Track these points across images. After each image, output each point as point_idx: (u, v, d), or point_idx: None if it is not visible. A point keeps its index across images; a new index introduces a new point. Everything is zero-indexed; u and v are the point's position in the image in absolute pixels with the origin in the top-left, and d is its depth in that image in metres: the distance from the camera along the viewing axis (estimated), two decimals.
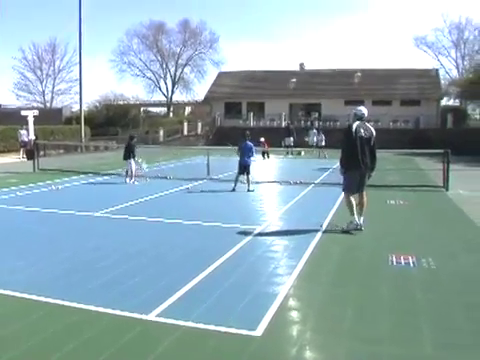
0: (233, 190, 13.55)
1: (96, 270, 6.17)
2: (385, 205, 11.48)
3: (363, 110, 8.58)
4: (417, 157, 24.57)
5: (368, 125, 8.54)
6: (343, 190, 8.63)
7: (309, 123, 41.44)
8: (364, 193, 8.58)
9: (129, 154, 15.53)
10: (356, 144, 8.22)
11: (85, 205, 11.10)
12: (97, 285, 5.63)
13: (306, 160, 25.94)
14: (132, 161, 15.49)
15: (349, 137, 8.27)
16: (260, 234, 8.28)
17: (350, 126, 8.40)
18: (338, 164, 8.73)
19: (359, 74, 47.29)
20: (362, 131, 8.31)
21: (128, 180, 15.41)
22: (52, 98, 60.53)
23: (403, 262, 6.63)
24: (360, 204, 8.52)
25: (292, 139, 29.77)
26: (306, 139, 29.56)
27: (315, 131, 30.00)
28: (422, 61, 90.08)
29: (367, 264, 6.62)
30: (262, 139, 25.50)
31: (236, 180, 13.86)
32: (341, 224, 8.59)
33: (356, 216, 8.43)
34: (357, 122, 8.41)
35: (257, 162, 23.32)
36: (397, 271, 6.29)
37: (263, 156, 25.54)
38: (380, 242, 7.81)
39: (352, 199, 8.46)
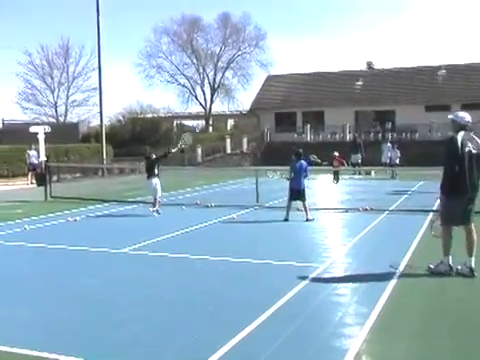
0: (286, 220, 13.51)
1: (114, 324, 6.19)
2: None
3: (466, 117, 8.14)
4: None
5: (475, 137, 8.07)
6: (442, 223, 8.18)
7: (380, 135, 41.12)
8: (473, 225, 8.07)
9: (152, 173, 15.09)
10: (463, 162, 7.76)
11: (106, 240, 11.35)
12: (117, 340, 5.63)
13: (378, 181, 25.63)
14: (155, 181, 15.06)
15: (454, 153, 7.79)
16: (323, 274, 8.22)
17: (454, 139, 7.89)
18: (439, 189, 8.12)
19: (443, 71, 46.64)
20: (470, 145, 7.84)
21: (152, 209, 15.06)
22: (66, 111, 61.53)
23: None
24: (468, 240, 8.02)
25: (360, 156, 29.59)
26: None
27: (389, 145, 29.74)
28: None
29: (460, 312, 6.44)
30: (336, 154, 25.08)
31: (288, 208, 13.78)
32: (428, 263, 8.37)
33: (450, 257, 8.00)
34: (462, 133, 7.94)
35: (323, 185, 23.26)
36: None
37: (335, 178, 25.03)
38: (477, 285, 7.59)
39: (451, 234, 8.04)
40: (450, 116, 8.31)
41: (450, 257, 8.03)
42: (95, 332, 5.89)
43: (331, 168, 24.42)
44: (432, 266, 8.13)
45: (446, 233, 8.07)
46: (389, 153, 29.11)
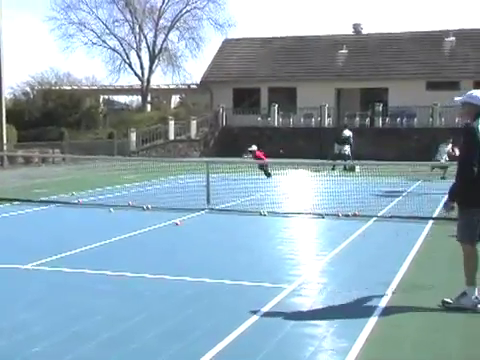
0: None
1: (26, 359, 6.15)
2: None
3: None
4: None
5: None
6: (462, 239, 7.85)
7: (368, 120, 41.58)
8: None
9: None
10: None
11: (8, 252, 11.22)
12: None
13: (364, 179, 25.89)
14: None
15: (474, 147, 7.58)
16: (290, 298, 8.28)
17: (474, 129, 7.64)
18: (450, 194, 7.88)
19: (452, 39, 47.08)
20: None
21: None
22: None
23: None
24: (466, 259, 7.86)
25: (348, 148, 30.65)
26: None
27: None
28: None
29: (466, 353, 6.52)
30: (255, 148, 26.64)
31: None
32: (430, 287, 8.47)
33: (477, 287, 7.79)
34: None
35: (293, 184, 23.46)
36: None
37: (266, 173, 25.99)
38: None
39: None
40: (459, 99, 8.04)
41: (477, 288, 7.79)
42: None
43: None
44: (450, 300, 7.82)
45: (472, 253, 7.78)
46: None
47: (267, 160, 26.66)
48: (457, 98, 8.08)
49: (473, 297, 7.71)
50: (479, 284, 7.82)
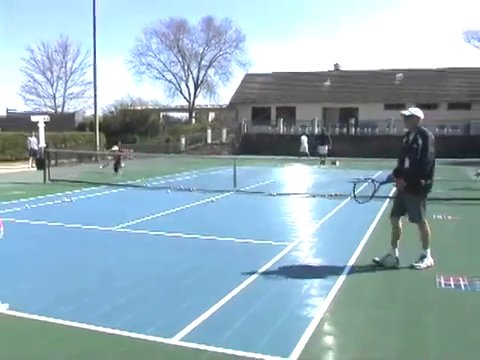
0: None
1: (110, 292, 6.22)
2: (431, 221, 11.32)
3: (420, 111, 7.45)
4: (467, 167, 24.22)
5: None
6: (417, 218, 7.41)
7: (345, 130, 41.12)
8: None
9: None
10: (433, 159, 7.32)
11: (99, 219, 11.29)
12: (112, 308, 5.66)
13: (343, 170, 25.82)
14: None
15: (432, 148, 7.17)
16: (292, 252, 8.29)
17: (427, 134, 7.23)
18: (406, 180, 7.35)
19: (401, 75, 47.10)
20: None
21: None
22: (64, 102, 60.78)
23: (453, 284, 6.55)
24: (424, 232, 7.44)
25: (327, 147, 30.20)
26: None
27: (305, 138, 30.95)
28: (474, 58, 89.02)
29: (411, 286, 6.57)
30: (116, 148, 24.97)
31: None
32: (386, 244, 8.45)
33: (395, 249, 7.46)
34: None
35: (293, 173, 23.36)
36: (446, 294, 6.23)
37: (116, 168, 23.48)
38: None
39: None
40: (406, 112, 7.38)
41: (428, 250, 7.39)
42: (95, 298, 5.93)
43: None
44: (415, 263, 7.28)
45: (426, 227, 7.44)
46: (307, 145, 32.23)
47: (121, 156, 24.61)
48: (405, 112, 7.42)
49: (427, 257, 7.32)
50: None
